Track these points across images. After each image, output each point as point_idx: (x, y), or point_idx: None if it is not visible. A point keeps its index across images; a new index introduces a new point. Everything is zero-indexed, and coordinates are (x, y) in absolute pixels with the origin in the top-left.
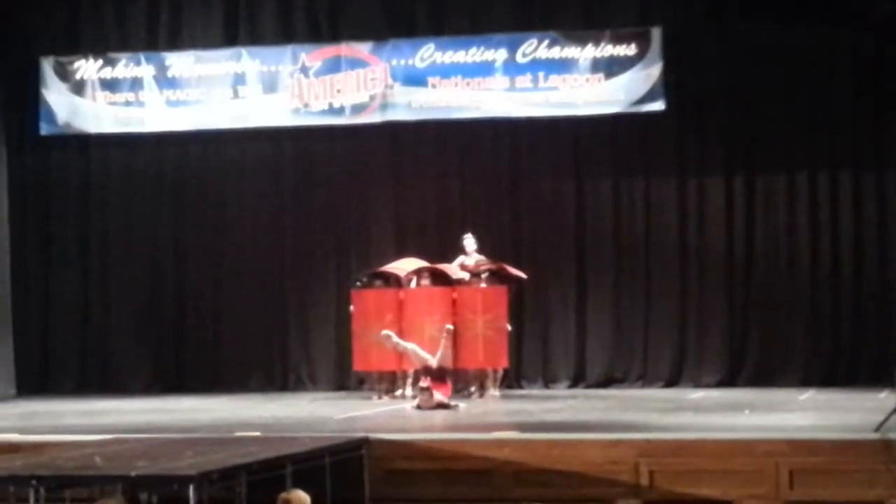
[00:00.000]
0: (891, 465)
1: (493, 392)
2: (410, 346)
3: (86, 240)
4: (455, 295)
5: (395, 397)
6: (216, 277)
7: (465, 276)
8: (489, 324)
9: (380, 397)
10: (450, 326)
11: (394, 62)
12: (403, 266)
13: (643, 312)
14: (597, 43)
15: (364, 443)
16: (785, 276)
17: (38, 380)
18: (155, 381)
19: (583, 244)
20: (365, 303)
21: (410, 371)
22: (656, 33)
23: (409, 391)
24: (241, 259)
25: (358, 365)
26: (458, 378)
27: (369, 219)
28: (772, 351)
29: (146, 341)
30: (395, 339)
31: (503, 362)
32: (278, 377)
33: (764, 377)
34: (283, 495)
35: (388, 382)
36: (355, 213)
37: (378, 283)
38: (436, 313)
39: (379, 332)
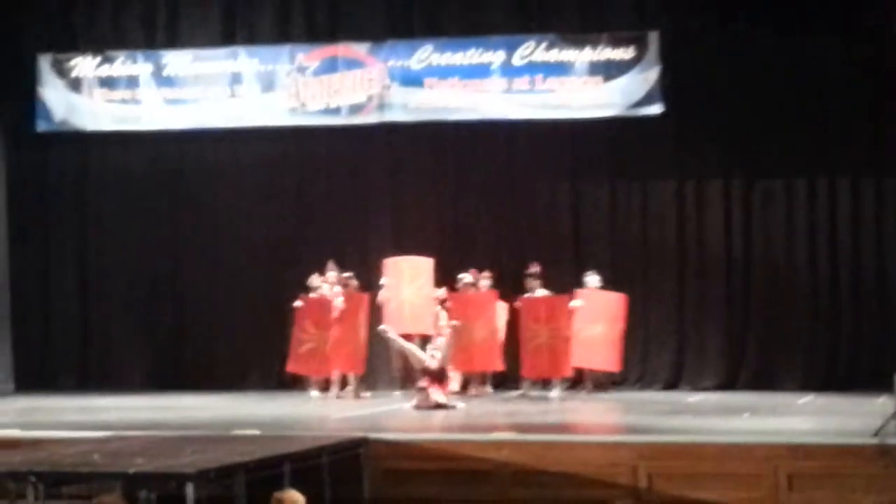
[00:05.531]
0: (889, 470)
1: (556, 394)
2: (408, 345)
3: (83, 236)
4: (519, 304)
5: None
6: (213, 274)
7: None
8: (554, 333)
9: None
10: (455, 323)
11: (391, 63)
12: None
13: (642, 315)
14: (594, 46)
15: (362, 442)
16: (784, 280)
17: (36, 376)
18: (153, 377)
19: (580, 247)
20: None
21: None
22: (654, 37)
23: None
24: (238, 256)
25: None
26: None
27: (366, 218)
28: (771, 355)
29: (144, 337)
30: (393, 335)
31: (567, 370)
32: (275, 375)
33: (763, 381)
34: (277, 495)
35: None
36: (352, 213)
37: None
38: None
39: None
